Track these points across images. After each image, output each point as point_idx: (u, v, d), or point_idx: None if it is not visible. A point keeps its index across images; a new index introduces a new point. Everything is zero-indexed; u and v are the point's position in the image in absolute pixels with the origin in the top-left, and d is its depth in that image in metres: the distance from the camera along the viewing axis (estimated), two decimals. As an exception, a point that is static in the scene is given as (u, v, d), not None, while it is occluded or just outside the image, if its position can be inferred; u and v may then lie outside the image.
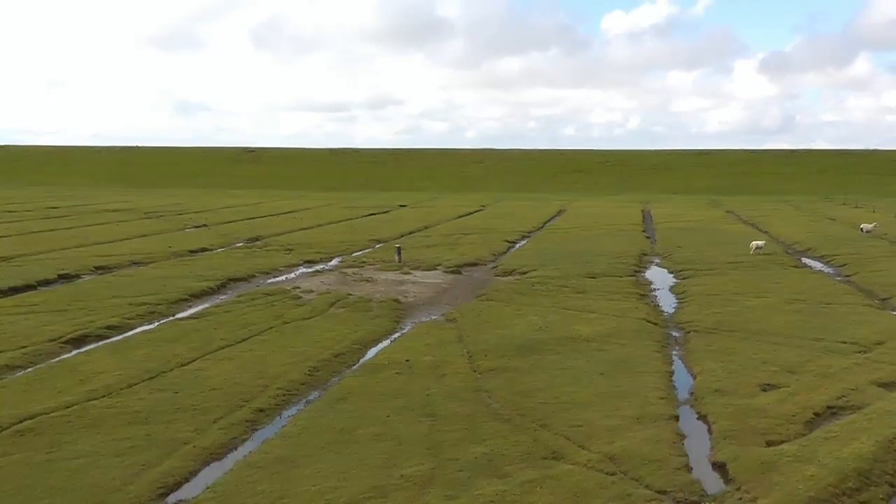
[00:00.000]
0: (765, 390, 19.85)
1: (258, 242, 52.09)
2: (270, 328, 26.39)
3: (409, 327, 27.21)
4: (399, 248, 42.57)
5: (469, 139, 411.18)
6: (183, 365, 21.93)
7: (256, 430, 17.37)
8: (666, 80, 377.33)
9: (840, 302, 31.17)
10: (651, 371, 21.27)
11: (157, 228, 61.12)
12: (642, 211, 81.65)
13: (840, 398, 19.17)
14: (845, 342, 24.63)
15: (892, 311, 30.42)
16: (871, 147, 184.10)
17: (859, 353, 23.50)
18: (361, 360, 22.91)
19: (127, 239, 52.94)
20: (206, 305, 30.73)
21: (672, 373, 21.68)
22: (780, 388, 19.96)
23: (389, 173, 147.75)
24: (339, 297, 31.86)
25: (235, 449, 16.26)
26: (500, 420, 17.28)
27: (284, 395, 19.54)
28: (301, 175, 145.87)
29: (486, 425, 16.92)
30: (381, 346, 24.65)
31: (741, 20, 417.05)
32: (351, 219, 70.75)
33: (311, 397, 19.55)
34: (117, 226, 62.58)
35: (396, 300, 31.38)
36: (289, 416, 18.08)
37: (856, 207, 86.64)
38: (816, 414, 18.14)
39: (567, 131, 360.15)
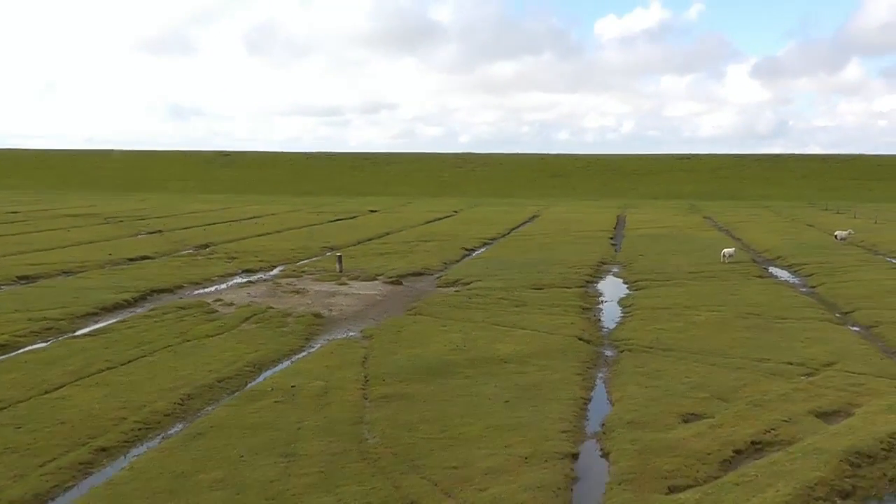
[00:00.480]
0: (686, 421, 17.63)
1: (206, 250, 49.87)
2: (167, 347, 24.09)
3: (318, 345, 24.95)
4: (340, 257, 40.32)
5: (463, 143, 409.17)
6: (47, 392, 19.61)
7: (90, 474, 15.04)
8: (659, 85, 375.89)
9: (797, 316, 28.96)
10: (564, 398, 19.01)
11: (109, 234, 58.84)
12: (618, 216, 79.49)
13: (769, 431, 16.94)
14: (791, 363, 22.44)
15: (852, 326, 28.20)
16: (865, 152, 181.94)
17: (805, 375, 21.33)
18: (249, 385, 20.58)
19: (71, 246, 50.73)
20: (113, 321, 28.41)
21: (589, 400, 19.45)
22: (703, 418, 17.74)
23: (367, 178, 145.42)
24: (258, 310, 29.58)
25: (52, 501, 13.92)
26: (368, 460, 14.99)
27: (140, 429, 17.22)
28: (278, 179, 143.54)
29: (347, 467, 14.64)
30: (278, 367, 22.35)
31: (734, 25, 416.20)
32: (314, 224, 68.53)
33: (171, 431, 17.24)
34: (68, 232, 60.23)
35: (318, 314, 29.10)
36: (134, 456, 15.74)
37: (837, 213, 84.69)
38: (737, 451, 15.90)
39: (561, 136, 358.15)
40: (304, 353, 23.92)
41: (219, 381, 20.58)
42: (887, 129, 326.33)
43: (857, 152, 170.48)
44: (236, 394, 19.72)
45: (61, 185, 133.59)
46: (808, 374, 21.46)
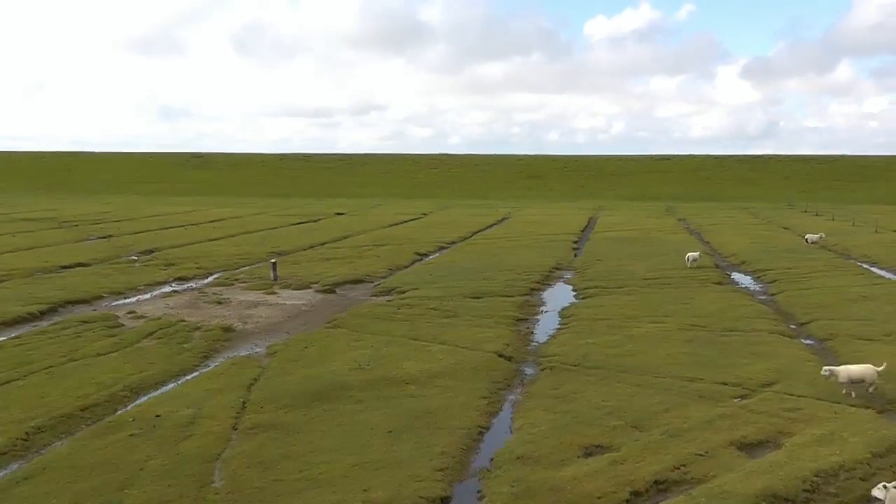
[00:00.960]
0: (588, 455, 15.60)
1: (149, 255, 47.71)
2: (47, 368, 21.89)
3: (215, 364, 22.84)
4: (274, 264, 38.21)
5: (453, 144, 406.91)
6: None
7: None
8: (649, 86, 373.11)
9: (746, 328, 26.93)
10: (458, 427, 16.95)
11: (56, 239, 56.54)
12: (590, 219, 77.57)
13: (678, 468, 14.90)
14: (726, 383, 20.44)
15: (805, 339, 26.19)
16: (856, 153, 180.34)
17: (738, 398, 19.34)
18: (118, 413, 18.42)
19: (9, 252, 48.48)
20: (5, 337, 26.20)
21: (488, 428, 17.39)
22: (608, 451, 15.70)
23: (342, 179, 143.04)
24: (167, 324, 27.43)
25: None
26: (199, 511, 12.88)
27: (-37, 469, 15.04)
28: (251, 181, 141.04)
29: (170, 521, 12.52)
30: (158, 391, 20.21)
31: (724, 26, 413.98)
32: (273, 228, 66.32)
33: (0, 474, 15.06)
34: (13, 237, 57.90)
35: (229, 328, 27.01)
36: (-62, 505, 13.60)
37: (816, 215, 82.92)
38: (635, 493, 13.89)
39: (551, 137, 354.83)
40: (195, 374, 21.80)
41: (82, 410, 18.41)
42: (878, 129, 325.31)
43: (849, 153, 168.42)
44: (94, 425, 17.54)
45: (30, 188, 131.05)
46: (742, 397, 19.49)
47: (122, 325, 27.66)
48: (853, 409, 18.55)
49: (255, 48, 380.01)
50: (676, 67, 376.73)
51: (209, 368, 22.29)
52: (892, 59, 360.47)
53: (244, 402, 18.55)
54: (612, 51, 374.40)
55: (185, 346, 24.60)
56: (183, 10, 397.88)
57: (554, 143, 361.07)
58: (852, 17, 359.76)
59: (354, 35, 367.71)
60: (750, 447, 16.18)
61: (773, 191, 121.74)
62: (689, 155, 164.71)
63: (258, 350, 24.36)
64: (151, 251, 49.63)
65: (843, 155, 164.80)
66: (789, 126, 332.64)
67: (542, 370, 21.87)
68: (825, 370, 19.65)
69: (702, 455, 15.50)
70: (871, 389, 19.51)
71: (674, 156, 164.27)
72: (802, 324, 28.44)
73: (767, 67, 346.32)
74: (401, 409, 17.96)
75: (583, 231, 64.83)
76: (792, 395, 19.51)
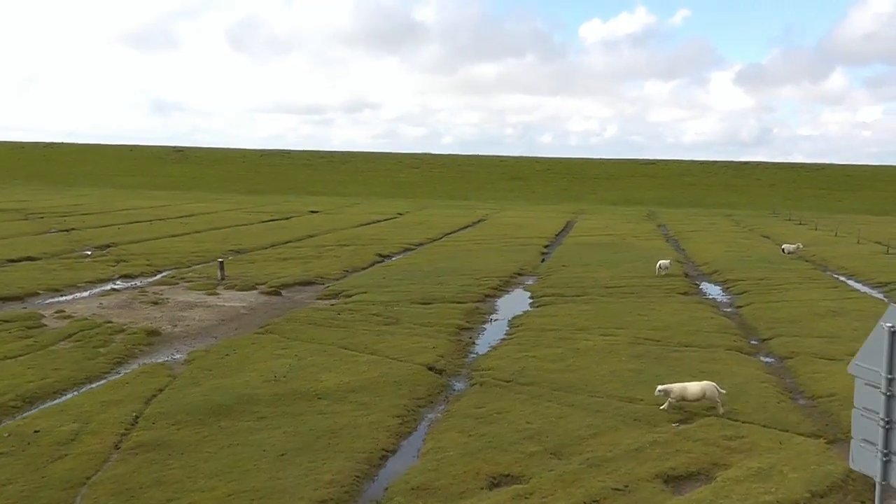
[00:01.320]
0: (495, 485, 14.18)
1: (105, 250, 46.21)
2: (-57, 371, 20.36)
3: (126, 371, 21.36)
4: (221, 263, 36.74)
5: (446, 144, 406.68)
6: None
7: None
8: (643, 90, 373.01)
9: (702, 343, 25.53)
10: (360, 449, 15.51)
11: (16, 232, 55.06)
12: (567, 222, 76.29)
13: (590, 504, 13.47)
14: (667, 405, 18.99)
15: (765, 357, 24.81)
16: (849, 162, 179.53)
17: (676, 423, 17.92)
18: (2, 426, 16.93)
19: (-41, 244, 46.83)
20: (-85, 335, 24.63)
21: (394, 452, 15.95)
22: (517, 482, 14.29)
23: (321, 177, 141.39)
24: (91, 325, 25.96)
25: None
26: (35, 548, 11.42)
27: None
28: (229, 177, 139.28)
29: (-3, 560, 11.06)
30: (55, 401, 18.71)
31: (718, 31, 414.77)
32: (241, 225, 64.83)
33: None
34: (-29, 228, 56.32)
35: (155, 331, 25.53)
36: None
37: (800, 224, 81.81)
38: (536, 534, 12.44)
39: (544, 139, 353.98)
40: (101, 382, 20.32)
41: (-43, 423, 16.89)
42: (870, 139, 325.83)
43: (838, 162, 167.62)
44: (-35, 439, 16.03)
45: (7, 179, 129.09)
46: (681, 421, 18.07)
47: (45, 325, 26.17)
48: (801, 438, 17.16)
49: (249, 44, 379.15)
50: (670, 72, 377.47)
51: (118, 376, 20.80)
52: (886, 68, 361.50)
53: (136, 417, 17.07)
54: (606, 54, 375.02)
55: (101, 350, 23.11)
56: (178, 5, 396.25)
57: (547, 146, 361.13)
58: (846, 26, 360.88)
59: (348, 33, 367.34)
60: (677, 481, 14.79)
61: (759, 198, 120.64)
62: (675, 160, 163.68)
63: (178, 357, 22.88)
64: (108, 246, 48.15)
65: (831, 163, 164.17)
66: (782, 133, 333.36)
67: (472, 385, 20.47)
68: (659, 389, 18.48)
69: (620, 490, 14.09)
70: (721, 410, 18.34)
71: (660, 160, 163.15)
72: (764, 340, 27.10)
73: (761, 74, 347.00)
74: (303, 428, 16.52)
75: (557, 235, 63.50)
76: (736, 420, 18.13)
